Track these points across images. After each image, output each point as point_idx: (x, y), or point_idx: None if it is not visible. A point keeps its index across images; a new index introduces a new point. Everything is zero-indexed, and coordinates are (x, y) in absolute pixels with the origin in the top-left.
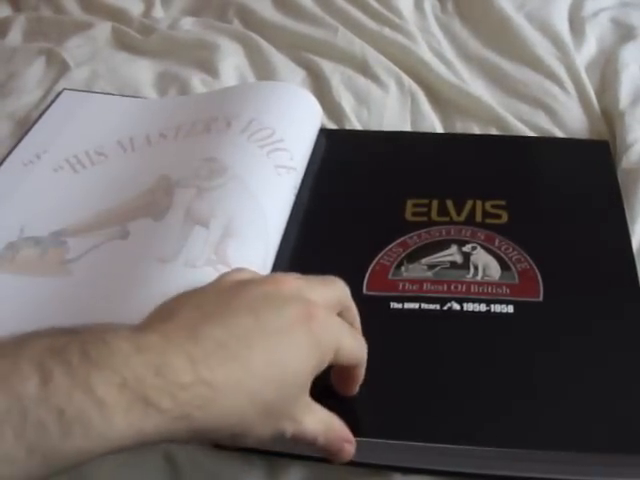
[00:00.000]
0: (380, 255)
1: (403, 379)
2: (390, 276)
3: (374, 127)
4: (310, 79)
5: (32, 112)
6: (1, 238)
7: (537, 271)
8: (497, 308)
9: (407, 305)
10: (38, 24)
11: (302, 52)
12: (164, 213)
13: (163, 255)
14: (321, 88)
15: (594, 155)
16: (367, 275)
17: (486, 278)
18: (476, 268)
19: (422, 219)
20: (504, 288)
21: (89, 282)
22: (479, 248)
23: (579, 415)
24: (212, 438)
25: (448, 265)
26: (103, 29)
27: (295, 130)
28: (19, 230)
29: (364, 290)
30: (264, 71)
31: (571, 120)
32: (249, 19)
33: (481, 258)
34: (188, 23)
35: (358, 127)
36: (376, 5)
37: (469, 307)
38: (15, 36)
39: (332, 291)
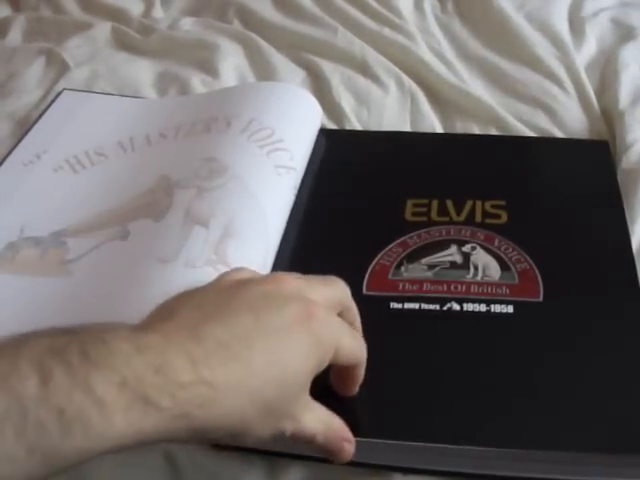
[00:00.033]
0: (380, 255)
1: (403, 379)
2: (390, 276)
3: (374, 127)
4: (310, 79)
5: (32, 112)
6: (1, 238)
7: (537, 271)
8: (497, 308)
9: (407, 305)
10: (38, 24)
11: (302, 52)
12: (164, 213)
13: (163, 255)
14: (321, 88)
15: (594, 155)
16: (367, 275)
17: (486, 278)
18: (476, 268)
19: (422, 219)
20: (504, 288)
21: (89, 282)
22: (479, 248)
23: (579, 415)
24: (212, 437)
25: (448, 265)
26: (103, 29)
27: (295, 130)
28: (19, 230)
29: (364, 290)
30: (264, 71)
31: (571, 120)
32: (249, 19)
33: (481, 258)
34: (188, 23)
35: (358, 127)
36: (376, 5)
37: (469, 307)
38: (15, 36)
39: (332, 291)
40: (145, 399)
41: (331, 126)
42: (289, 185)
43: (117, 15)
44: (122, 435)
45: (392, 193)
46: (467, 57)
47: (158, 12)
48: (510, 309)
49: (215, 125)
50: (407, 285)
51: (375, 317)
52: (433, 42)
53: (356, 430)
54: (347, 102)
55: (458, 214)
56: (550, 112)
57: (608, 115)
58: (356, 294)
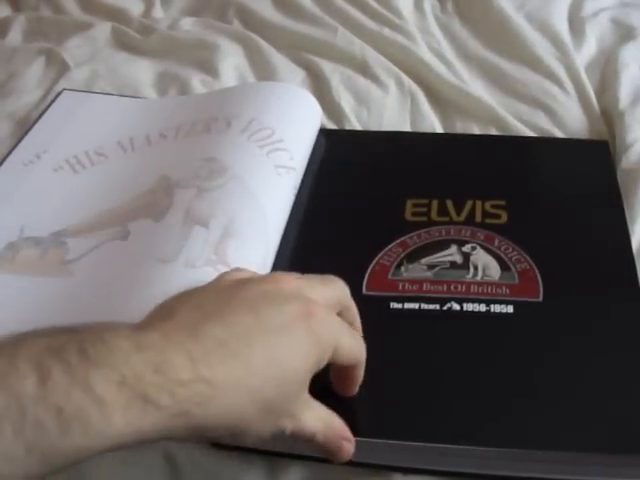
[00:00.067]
0: (380, 255)
1: (403, 379)
2: (390, 276)
3: (374, 127)
4: (310, 79)
5: (32, 112)
6: (1, 238)
7: (537, 271)
8: (497, 308)
9: (407, 305)
10: (38, 24)
11: (302, 52)
12: (164, 213)
13: (163, 255)
14: (321, 88)
15: (594, 155)
16: (367, 275)
17: (486, 278)
18: (476, 268)
19: (422, 219)
20: (504, 288)
21: (89, 282)
22: (479, 248)
23: (579, 415)
24: (212, 436)
25: (448, 265)
26: (103, 29)
27: (295, 130)
28: (19, 230)
29: (364, 290)
30: (264, 71)
31: (571, 120)
32: (249, 19)
33: (481, 258)
34: (188, 23)
35: (358, 127)
36: (376, 5)
37: (469, 307)
38: (15, 36)
39: (332, 290)
40: (144, 397)
41: (331, 126)
42: (289, 185)
43: (117, 15)
44: (121, 433)
45: (392, 193)
46: (467, 57)
47: (158, 12)
48: (510, 309)
49: (215, 125)
50: (407, 285)
51: (375, 317)
52: (433, 42)
53: (356, 430)
54: (347, 102)
55: (458, 214)
56: (550, 112)
57: (608, 115)
58: (356, 294)
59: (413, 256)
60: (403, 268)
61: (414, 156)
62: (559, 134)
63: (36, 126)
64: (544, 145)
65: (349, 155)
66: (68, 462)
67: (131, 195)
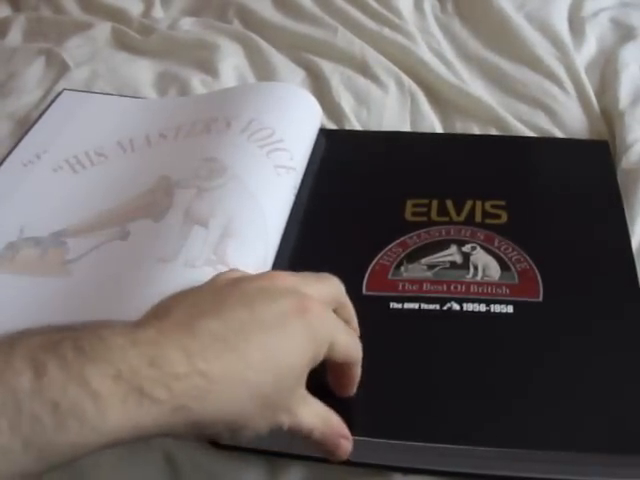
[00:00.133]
0: (380, 255)
1: (403, 379)
2: (390, 276)
3: (374, 127)
4: (310, 79)
5: (32, 112)
6: (1, 238)
7: (537, 271)
8: (497, 308)
9: (407, 305)
10: (38, 24)
11: (302, 52)
12: (164, 213)
13: (163, 255)
14: (321, 88)
15: (594, 155)
16: (367, 275)
17: (486, 278)
18: (476, 268)
19: (422, 219)
20: (504, 288)
21: (89, 282)
22: (479, 248)
23: (579, 415)
24: (210, 432)
25: (448, 265)
26: (103, 29)
27: (295, 130)
28: (19, 230)
29: (364, 290)
30: (264, 71)
31: (571, 120)
32: (249, 19)
33: (481, 258)
34: (188, 23)
35: (358, 127)
36: (376, 5)
37: (469, 307)
38: (15, 36)
39: (327, 287)
40: (140, 391)
41: (331, 126)
42: (289, 185)
43: (117, 15)
44: (118, 428)
45: (392, 193)
46: (467, 57)
47: (158, 12)
48: (510, 309)
49: (215, 125)
50: (407, 285)
51: (375, 317)
52: (433, 42)
53: (356, 430)
54: (347, 102)
55: (458, 214)
56: (550, 112)
57: (608, 115)
58: (356, 294)
59: (413, 256)
60: (403, 268)
61: (414, 156)
62: (559, 134)
63: (36, 126)
64: (544, 145)
65: (349, 155)
66: (65, 458)
67: (131, 195)
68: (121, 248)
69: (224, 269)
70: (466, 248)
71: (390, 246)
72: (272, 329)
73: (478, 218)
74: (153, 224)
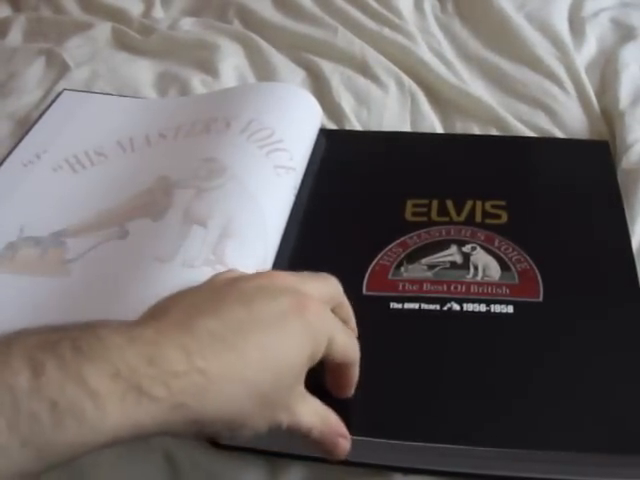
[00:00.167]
0: (380, 255)
1: (403, 379)
2: (390, 276)
3: (374, 127)
4: (310, 79)
5: (32, 112)
6: (1, 238)
7: (537, 271)
8: (497, 308)
9: (407, 305)
10: (38, 24)
11: (302, 52)
12: (163, 213)
13: (161, 255)
14: (321, 88)
15: (594, 155)
16: (367, 275)
17: (486, 278)
18: (476, 268)
19: (422, 219)
20: (504, 288)
21: (88, 282)
22: (479, 248)
23: (579, 415)
24: (209, 431)
25: (448, 265)
26: (103, 29)
27: (295, 130)
28: (19, 230)
29: (364, 290)
30: (264, 71)
31: (571, 120)
32: (249, 19)
33: (481, 258)
34: (188, 23)
35: (358, 127)
36: (376, 5)
37: (469, 307)
38: (15, 36)
39: (325, 286)
40: (139, 389)
41: (331, 126)
42: (289, 185)
43: (117, 15)
44: (117, 427)
45: (392, 193)
46: (467, 57)
47: (158, 12)
48: (510, 309)
49: (215, 125)
50: (407, 285)
51: (375, 317)
52: (433, 42)
53: (356, 430)
54: (347, 102)
55: (458, 214)
56: (550, 112)
57: (608, 115)
58: (356, 294)
59: (413, 256)
60: (403, 268)
61: (414, 156)
62: (559, 134)
63: (36, 126)
64: (544, 145)
65: (349, 155)
66: (64, 458)
67: (130, 195)
68: (120, 247)
69: (223, 269)
70: (466, 248)
71: (390, 246)
72: (271, 328)
73: (478, 218)
74: (152, 224)
